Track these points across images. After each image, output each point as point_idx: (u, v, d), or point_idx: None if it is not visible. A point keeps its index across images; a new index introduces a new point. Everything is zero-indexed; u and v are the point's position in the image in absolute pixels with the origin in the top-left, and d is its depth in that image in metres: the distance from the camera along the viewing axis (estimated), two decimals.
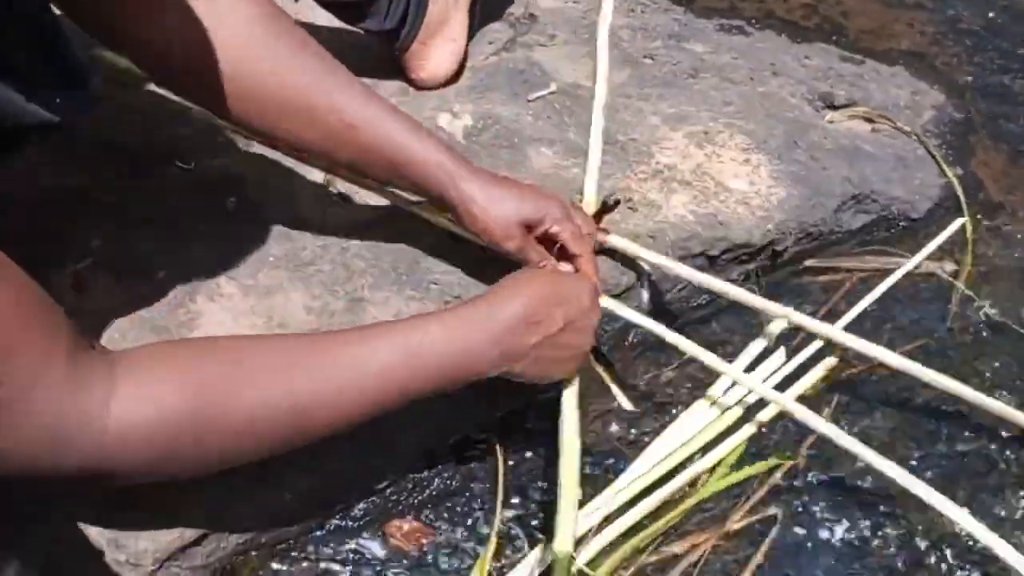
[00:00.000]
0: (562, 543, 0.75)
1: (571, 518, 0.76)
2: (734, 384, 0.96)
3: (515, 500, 0.89)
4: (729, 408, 0.94)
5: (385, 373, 0.69)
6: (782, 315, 0.92)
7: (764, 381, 0.94)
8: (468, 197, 0.81)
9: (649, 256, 0.94)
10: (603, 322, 0.89)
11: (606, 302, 0.88)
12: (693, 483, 0.90)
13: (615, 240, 0.94)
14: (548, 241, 0.85)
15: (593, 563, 0.83)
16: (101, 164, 0.96)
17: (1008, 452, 0.94)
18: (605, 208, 0.91)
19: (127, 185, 0.95)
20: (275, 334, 0.81)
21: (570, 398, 0.82)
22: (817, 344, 0.97)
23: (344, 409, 0.68)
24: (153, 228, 0.90)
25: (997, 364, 1.01)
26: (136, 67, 0.82)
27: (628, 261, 0.96)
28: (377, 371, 0.68)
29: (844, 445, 0.82)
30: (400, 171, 0.82)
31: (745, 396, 0.94)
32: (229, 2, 0.75)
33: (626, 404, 0.85)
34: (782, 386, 0.95)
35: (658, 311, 1.00)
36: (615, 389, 0.86)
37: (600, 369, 0.88)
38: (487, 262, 0.89)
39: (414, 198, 0.92)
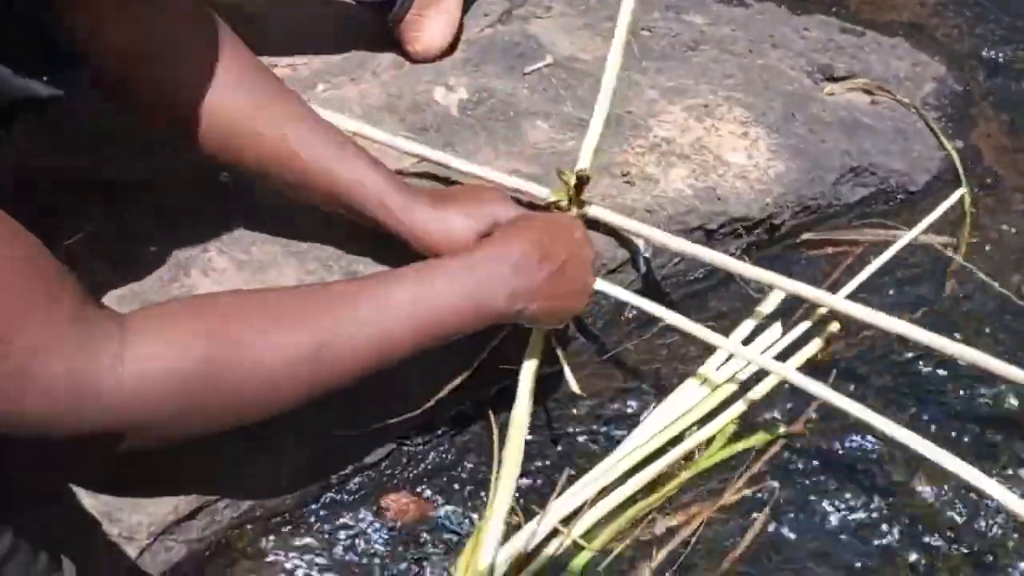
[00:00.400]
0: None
1: (507, 499, 0.78)
2: (730, 357, 0.96)
3: None
4: (725, 382, 0.93)
5: (403, 318, 0.68)
6: (774, 283, 0.90)
7: (762, 353, 0.94)
8: (419, 225, 0.78)
9: (629, 225, 0.92)
10: (597, 297, 0.88)
11: (598, 284, 0.87)
12: (689, 456, 0.90)
13: (595, 211, 0.92)
14: None
15: (588, 535, 0.84)
16: (94, 143, 0.95)
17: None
18: (580, 182, 0.88)
19: (121, 162, 0.94)
20: (285, 287, 0.79)
21: (527, 374, 0.82)
22: (815, 318, 0.97)
23: (362, 355, 0.67)
24: (145, 203, 0.90)
25: (994, 336, 1.01)
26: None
27: (623, 237, 0.96)
28: (395, 316, 0.68)
29: (843, 407, 0.81)
30: (340, 201, 0.79)
31: (741, 370, 0.94)
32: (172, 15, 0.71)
33: (575, 387, 0.84)
34: (781, 357, 0.94)
35: (654, 284, 1.00)
36: (567, 371, 0.84)
37: (559, 351, 0.87)
38: None
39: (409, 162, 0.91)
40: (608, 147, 1.02)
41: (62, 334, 0.54)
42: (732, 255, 1.04)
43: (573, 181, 0.88)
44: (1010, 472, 0.91)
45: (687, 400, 0.93)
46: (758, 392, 0.93)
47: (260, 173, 0.79)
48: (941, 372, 0.98)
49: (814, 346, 0.96)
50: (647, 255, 0.97)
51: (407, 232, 0.79)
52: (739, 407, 0.92)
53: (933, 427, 0.94)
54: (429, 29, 1.09)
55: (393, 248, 0.90)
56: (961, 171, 1.16)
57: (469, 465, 0.89)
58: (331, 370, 0.66)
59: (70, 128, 0.95)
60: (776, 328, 0.96)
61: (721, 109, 1.10)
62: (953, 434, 0.93)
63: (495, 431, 0.88)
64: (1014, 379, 0.82)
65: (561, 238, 0.78)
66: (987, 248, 1.10)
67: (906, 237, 1.04)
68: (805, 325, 0.97)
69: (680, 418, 0.91)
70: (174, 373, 0.59)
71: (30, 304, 0.53)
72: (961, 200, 1.12)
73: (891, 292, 1.05)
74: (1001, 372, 0.82)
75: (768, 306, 0.98)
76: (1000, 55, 1.33)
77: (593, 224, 0.93)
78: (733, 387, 0.93)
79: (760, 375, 0.94)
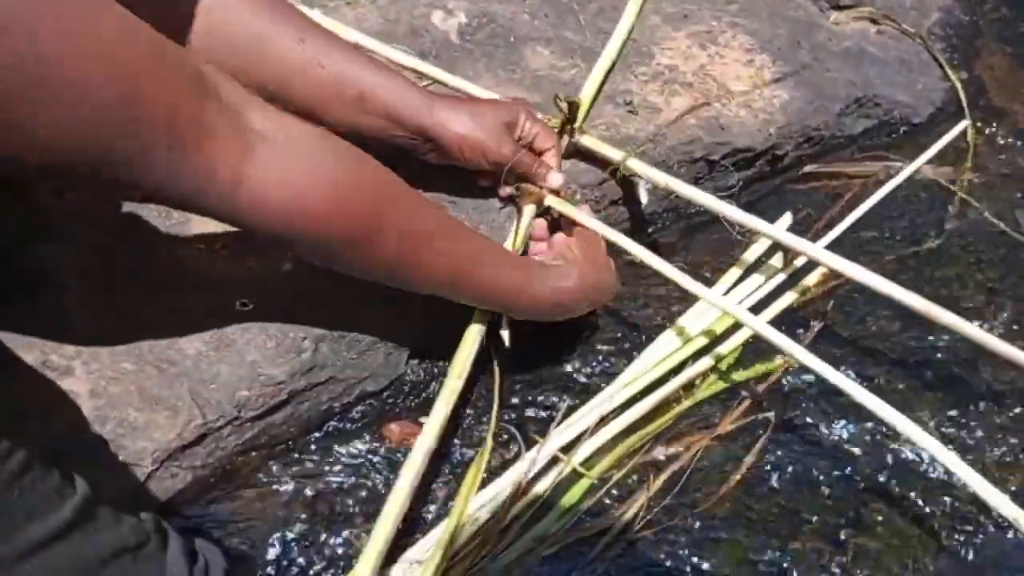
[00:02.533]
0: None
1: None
2: (730, 290, 0.96)
3: (511, 397, 0.89)
4: (725, 313, 0.94)
5: (513, 279, 0.78)
6: (759, 229, 0.85)
7: (750, 294, 0.94)
8: (447, 119, 0.80)
9: (615, 155, 0.90)
10: None
11: (591, 221, 0.87)
12: (688, 387, 0.91)
13: (588, 141, 0.91)
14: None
15: (587, 463, 0.85)
16: None
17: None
18: (571, 108, 0.87)
19: None
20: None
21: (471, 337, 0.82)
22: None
23: (467, 278, 0.75)
24: None
25: (994, 270, 1.01)
26: None
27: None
28: (508, 272, 0.78)
29: (814, 367, 0.79)
30: (369, 105, 0.78)
31: (742, 301, 0.95)
32: None
33: (507, 341, 0.85)
34: (776, 293, 0.95)
35: (655, 215, 0.99)
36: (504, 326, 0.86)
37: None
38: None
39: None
40: (610, 75, 1.00)
41: (194, 123, 0.56)
42: (733, 187, 1.04)
43: (566, 108, 0.87)
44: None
45: (687, 331, 0.93)
46: (763, 319, 0.93)
47: (280, 87, 0.77)
48: None
49: (788, 298, 0.95)
50: (648, 187, 0.96)
51: (433, 126, 0.80)
52: (739, 337, 0.93)
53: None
54: None
55: None
56: (965, 103, 1.15)
57: (468, 394, 0.90)
58: (434, 272, 0.73)
59: None
60: (772, 269, 0.96)
61: (725, 36, 1.07)
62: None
63: (496, 361, 0.88)
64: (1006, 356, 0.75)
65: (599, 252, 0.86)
66: (988, 182, 1.10)
67: (907, 170, 1.04)
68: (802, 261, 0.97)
69: (679, 349, 0.92)
70: (294, 210, 0.62)
71: (170, 90, 0.54)
72: (964, 133, 1.11)
73: (891, 225, 1.05)
74: (993, 348, 0.75)
75: (755, 251, 0.98)
76: None
77: (588, 155, 0.92)
78: (732, 320, 0.93)
79: (759, 307, 0.95)
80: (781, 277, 0.97)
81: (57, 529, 0.57)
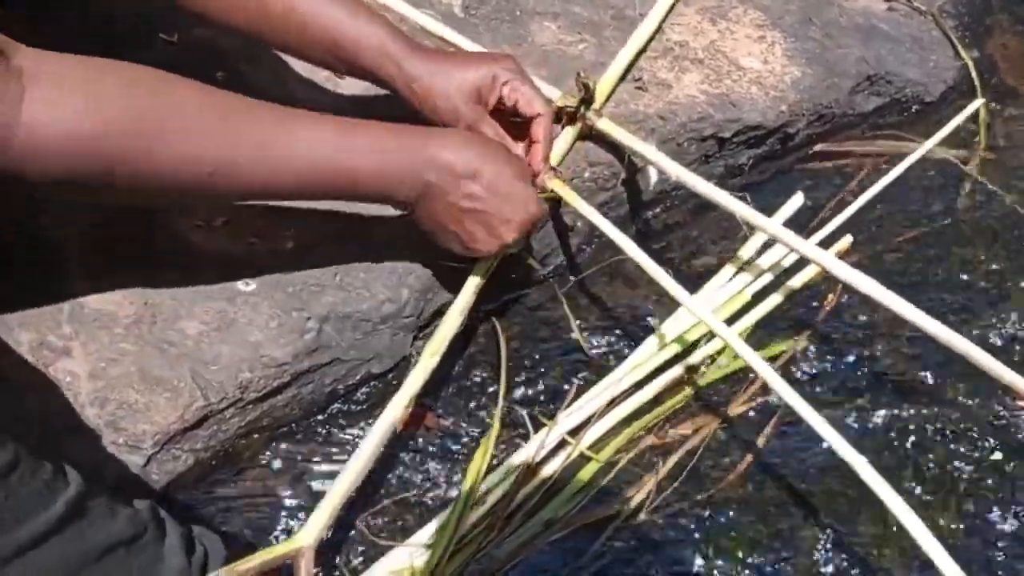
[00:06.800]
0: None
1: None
2: (738, 272, 0.94)
3: (518, 379, 0.88)
4: (734, 296, 0.92)
5: (310, 162, 0.68)
6: (756, 223, 0.83)
7: (752, 283, 0.93)
8: (411, 76, 0.76)
9: (632, 143, 0.86)
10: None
11: (581, 206, 0.83)
12: (696, 369, 0.89)
13: (604, 124, 0.87)
14: (506, 120, 0.80)
15: (595, 446, 0.84)
16: (78, 38, 0.90)
17: None
18: (586, 90, 0.84)
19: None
20: (210, 88, 0.70)
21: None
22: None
23: (254, 185, 0.67)
24: None
25: (1006, 250, 1.00)
26: None
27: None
28: (304, 158, 0.68)
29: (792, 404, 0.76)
30: (339, 54, 0.76)
31: (748, 285, 0.93)
32: None
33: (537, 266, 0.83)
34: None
35: (665, 194, 0.97)
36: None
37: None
38: None
39: None
40: (618, 50, 0.97)
41: None
42: (744, 165, 1.02)
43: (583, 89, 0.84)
44: None
45: (695, 314, 0.91)
46: (765, 308, 0.92)
47: (257, 29, 0.75)
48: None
49: (770, 303, 0.93)
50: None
51: (400, 79, 0.76)
52: (750, 319, 0.91)
53: None
54: None
55: None
56: (977, 82, 1.13)
57: (476, 377, 0.88)
58: (224, 186, 0.65)
59: (52, 20, 0.89)
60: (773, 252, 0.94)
61: (736, 11, 1.05)
62: None
63: (502, 343, 0.86)
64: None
65: (515, 178, 0.74)
66: (1000, 161, 1.08)
67: (920, 150, 1.02)
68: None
69: (688, 330, 0.90)
70: (71, 139, 0.57)
71: None
72: (976, 112, 1.09)
73: (902, 205, 1.03)
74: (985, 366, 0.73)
75: (780, 218, 0.96)
76: None
77: (600, 137, 0.90)
78: (746, 298, 0.92)
79: (766, 291, 0.93)
80: (791, 258, 0.95)
81: (49, 525, 0.55)
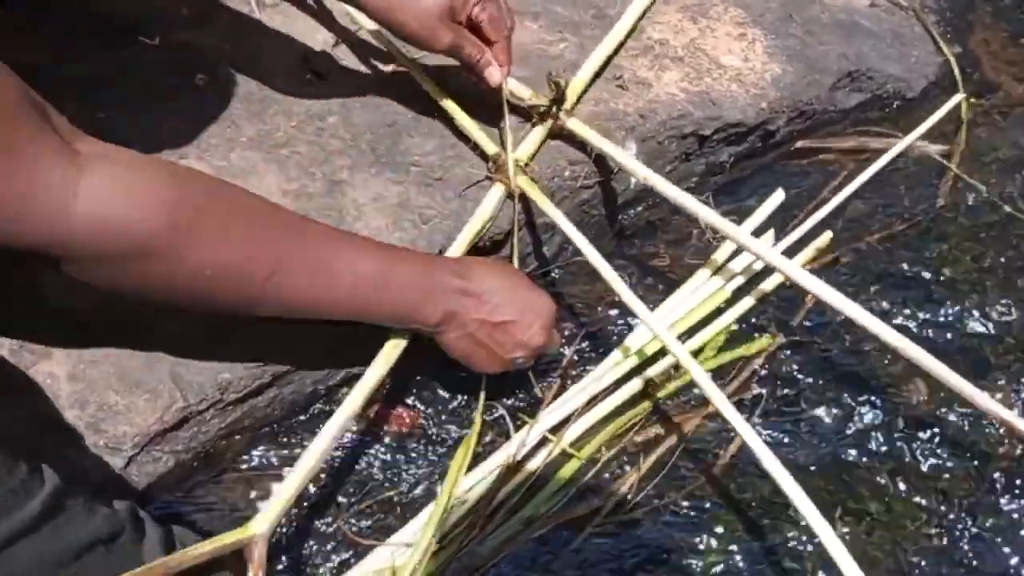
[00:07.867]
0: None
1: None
2: (722, 266, 0.95)
3: (501, 382, 0.88)
4: (714, 292, 0.93)
5: (352, 289, 0.69)
6: (725, 232, 0.82)
7: (729, 282, 0.93)
8: (384, 3, 0.75)
9: (604, 146, 0.86)
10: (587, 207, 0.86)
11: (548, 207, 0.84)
12: (678, 366, 0.89)
13: (574, 124, 0.88)
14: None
15: (576, 444, 0.84)
16: (64, 39, 0.90)
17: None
18: (558, 89, 0.84)
19: (89, 61, 0.89)
20: (267, 200, 0.73)
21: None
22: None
23: (304, 300, 0.67)
24: (118, 107, 0.85)
25: (987, 245, 1.00)
26: None
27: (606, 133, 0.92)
28: (347, 284, 0.68)
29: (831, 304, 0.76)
30: None
31: (730, 281, 0.94)
32: None
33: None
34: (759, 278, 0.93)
35: (645, 192, 0.98)
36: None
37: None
38: (466, 139, 0.87)
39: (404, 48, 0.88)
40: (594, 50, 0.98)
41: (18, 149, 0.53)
42: (724, 163, 1.02)
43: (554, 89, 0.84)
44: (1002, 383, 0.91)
45: (676, 310, 0.92)
46: (746, 304, 0.92)
47: None
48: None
49: (744, 304, 0.93)
50: (634, 152, 0.94)
51: (376, 4, 0.75)
52: (731, 315, 0.92)
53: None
54: None
55: (374, 152, 0.87)
56: (959, 78, 1.13)
57: (457, 376, 0.88)
58: (280, 298, 0.66)
59: (38, 22, 0.90)
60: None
61: (716, 9, 1.06)
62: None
63: None
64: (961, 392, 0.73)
65: (528, 309, 0.77)
66: (982, 156, 1.08)
67: (900, 144, 1.03)
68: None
69: (670, 328, 0.90)
70: (128, 222, 0.58)
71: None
72: (957, 107, 1.09)
73: (883, 200, 1.04)
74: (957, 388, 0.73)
75: (761, 214, 0.96)
76: None
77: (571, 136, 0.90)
78: (727, 294, 0.92)
79: (750, 285, 0.94)
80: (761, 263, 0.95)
81: (25, 524, 0.55)
